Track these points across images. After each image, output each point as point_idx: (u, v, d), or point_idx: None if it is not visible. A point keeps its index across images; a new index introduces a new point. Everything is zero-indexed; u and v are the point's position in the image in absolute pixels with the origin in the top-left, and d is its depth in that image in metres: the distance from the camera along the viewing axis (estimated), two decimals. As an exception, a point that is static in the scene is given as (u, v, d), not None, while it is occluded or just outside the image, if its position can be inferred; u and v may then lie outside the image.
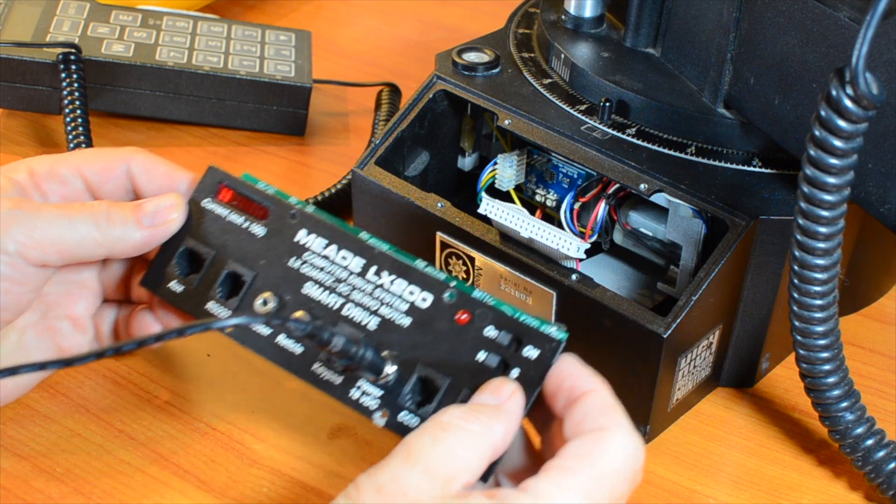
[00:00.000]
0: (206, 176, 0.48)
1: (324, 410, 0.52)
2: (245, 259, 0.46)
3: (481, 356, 0.40)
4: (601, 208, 0.53)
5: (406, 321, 0.42)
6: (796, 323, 0.46)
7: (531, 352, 0.40)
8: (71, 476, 0.48)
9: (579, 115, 0.55)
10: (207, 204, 0.47)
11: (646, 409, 0.50)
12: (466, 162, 0.61)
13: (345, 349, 0.40)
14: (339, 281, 0.44)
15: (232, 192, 0.47)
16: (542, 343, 0.40)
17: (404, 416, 0.41)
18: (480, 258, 0.54)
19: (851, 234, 0.53)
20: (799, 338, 0.46)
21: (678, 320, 0.48)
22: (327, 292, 0.44)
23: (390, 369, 0.41)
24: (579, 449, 0.37)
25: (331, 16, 0.90)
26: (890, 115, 0.44)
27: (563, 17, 0.60)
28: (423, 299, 0.42)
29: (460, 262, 0.55)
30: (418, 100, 0.58)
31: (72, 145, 0.66)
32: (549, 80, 0.58)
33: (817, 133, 0.41)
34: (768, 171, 0.52)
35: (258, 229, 0.46)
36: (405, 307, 0.42)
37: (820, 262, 0.44)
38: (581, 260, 0.52)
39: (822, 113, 0.41)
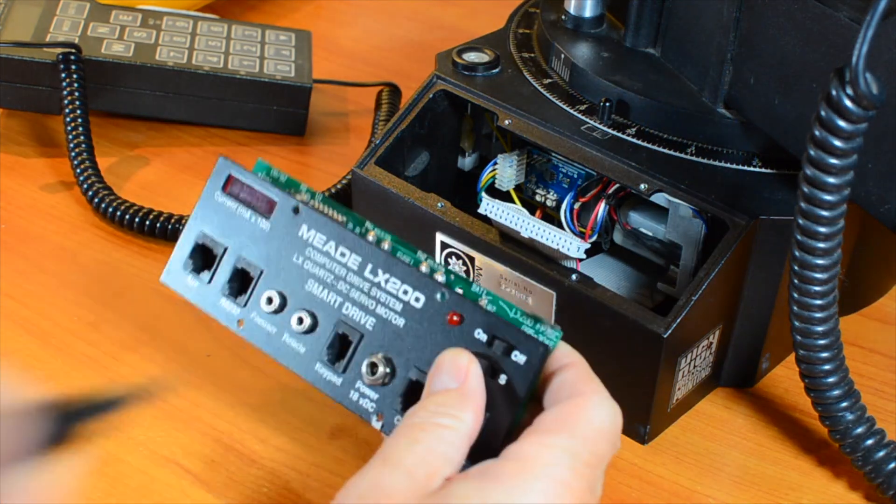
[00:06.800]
0: (217, 167, 0.48)
1: (324, 410, 0.52)
2: (253, 255, 0.46)
3: None
4: (601, 208, 0.53)
5: (401, 322, 0.42)
6: (796, 323, 0.46)
7: (519, 357, 0.39)
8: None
9: (579, 115, 0.55)
10: (218, 197, 0.47)
11: (646, 409, 0.50)
12: (466, 162, 0.61)
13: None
14: (338, 278, 0.44)
15: (241, 184, 0.47)
16: (530, 348, 0.39)
17: (397, 420, 0.41)
18: (480, 258, 0.53)
19: (851, 234, 0.53)
20: (799, 338, 0.46)
21: (678, 320, 0.48)
22: (327, 290, 0.44)
23: (384, 370, 0.41)
24: (559, 414, 0.37)
25: (331, 16, 0.90)
26: (890, 115, 0.43)
27: (563, 17, 0.60)
28: (417, 299, 0.42)
29: (460, 262, 0.55)
30: (418, 100, 0.58)
31: (72, 145, 0.66)
32: (549, 80, 0.58)
33: (817, 133, 0.41)
34: (768, 171, 0.51)
35: (264, 224, 0.46)
36: (399, 307, 0.42)
37: (820, 262, 0.44)
38: (581, 260, 0.52)
39: (822, 113, 0.41)
